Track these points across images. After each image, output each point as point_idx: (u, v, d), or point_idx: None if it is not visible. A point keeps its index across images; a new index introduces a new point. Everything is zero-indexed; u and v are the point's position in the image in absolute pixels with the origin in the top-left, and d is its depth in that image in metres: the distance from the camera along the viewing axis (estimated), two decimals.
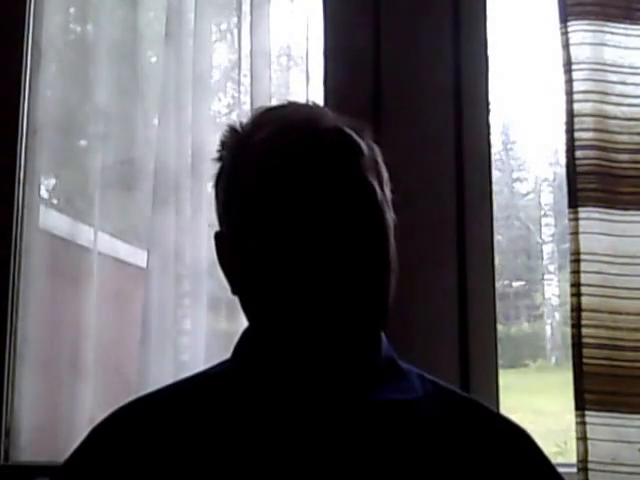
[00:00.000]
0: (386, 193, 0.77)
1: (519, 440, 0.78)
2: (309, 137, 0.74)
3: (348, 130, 0.75)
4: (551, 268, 1.87)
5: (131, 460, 0.70)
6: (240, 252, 0.75)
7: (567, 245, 1.23)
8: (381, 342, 0.78)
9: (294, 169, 0.72)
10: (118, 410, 0.76)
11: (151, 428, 0.72)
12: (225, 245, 0.78)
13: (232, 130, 0.80)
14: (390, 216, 0.76)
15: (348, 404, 0.71)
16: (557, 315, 1.86)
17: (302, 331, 0.71)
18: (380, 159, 0.79)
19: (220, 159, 0.81)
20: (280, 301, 0.71)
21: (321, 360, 0.72)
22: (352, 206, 0.71)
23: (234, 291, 0.78)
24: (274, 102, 1.39)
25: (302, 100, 0.89)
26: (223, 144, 0.81)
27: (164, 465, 0.69)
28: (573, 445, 1.19)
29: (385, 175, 0.79)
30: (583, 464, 1.17)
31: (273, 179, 0.72)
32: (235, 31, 1.46)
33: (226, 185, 0.79)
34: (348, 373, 0.73)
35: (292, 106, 0.84)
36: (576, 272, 1.21)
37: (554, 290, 1.86)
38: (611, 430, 1.17)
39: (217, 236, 0.79)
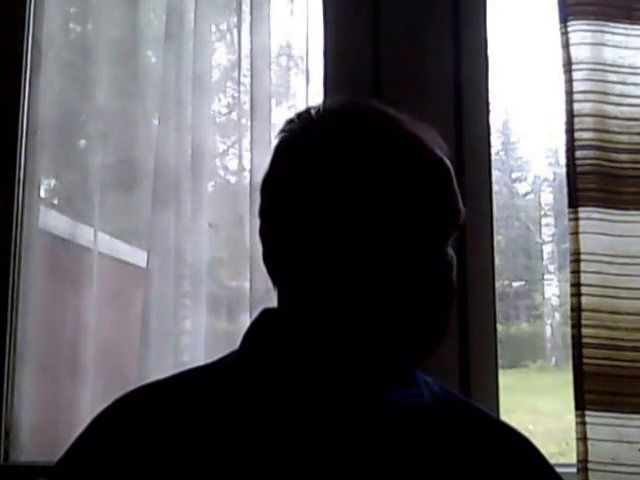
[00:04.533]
0: None
1: (520, 445, 0.79)
2: (418, 159, 0.75)
3: (450, 167, 0.78)
4: (551, 268, 1.87)
5: (133, 453, 0.68)
6: (303, 228, 0.73)
7: (567, 245, 1.23)
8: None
9: (393, 181, 0.72)
10: (120, 399, 0.76)
11: (153, 419, 0.71)
12: (279, 216, 0.76)
13: (313, 109, 0.79)
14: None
15: (362, 405, 0.71)
16: (557, 315, 1.86)
17: (335, 326, 0.71)
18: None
19: (285, 131, 0.79)
20: (326, 291, 0.72)
21: (343, 359, 0.72)
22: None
23: (267, 262, 0.77)
24: (274, 102, 1.39)
25: (302, 100, 0.89)
26: (299, 116, 0.79)
27: (165, 459, 0.68)
28: (574, 445, 1.19)
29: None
30: (583, 464, 1.17)
31: (369, 178, 0.72)
32: (235, 31, 1.45)
33: (305, 160, 0.75)
34: (366, 376, 0.73)
35: (387, 112, 0.80)
36: (576, 272, 1.21)
37: (554, 290, 1.86)
38: (611, 430, 1.17)
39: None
